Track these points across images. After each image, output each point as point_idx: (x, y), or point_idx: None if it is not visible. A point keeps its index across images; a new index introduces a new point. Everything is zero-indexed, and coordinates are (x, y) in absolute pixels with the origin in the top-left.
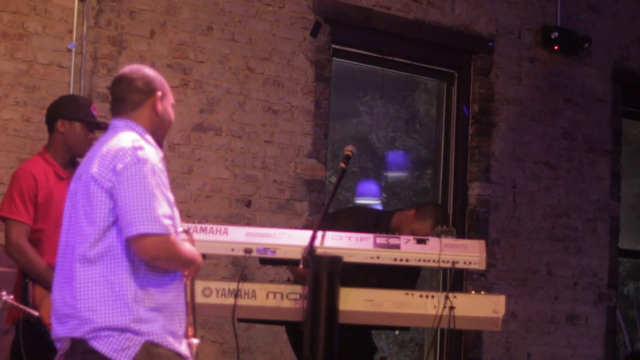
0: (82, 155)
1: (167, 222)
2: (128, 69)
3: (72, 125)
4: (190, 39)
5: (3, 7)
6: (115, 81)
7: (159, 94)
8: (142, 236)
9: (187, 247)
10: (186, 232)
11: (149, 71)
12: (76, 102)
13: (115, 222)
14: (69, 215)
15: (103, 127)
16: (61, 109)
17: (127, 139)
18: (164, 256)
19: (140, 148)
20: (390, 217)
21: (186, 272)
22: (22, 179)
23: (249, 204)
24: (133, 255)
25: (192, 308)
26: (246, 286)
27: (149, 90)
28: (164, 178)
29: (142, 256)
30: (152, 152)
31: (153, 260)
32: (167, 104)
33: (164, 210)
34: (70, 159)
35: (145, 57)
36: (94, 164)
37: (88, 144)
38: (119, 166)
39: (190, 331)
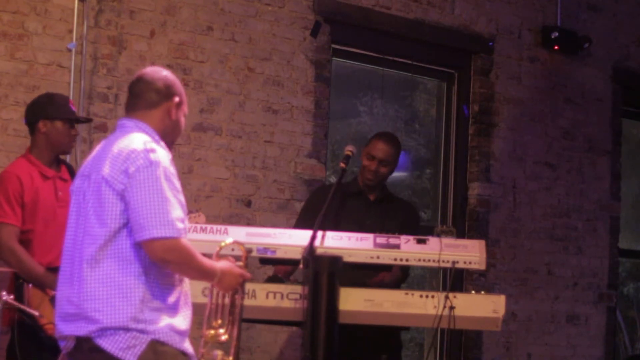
0: (66, 153)
1: (180, 225)
2: (150, 69)
3: (54, 124)
4: (190, 39)
5: (3, 7)
6: (136, 79)
7: (177, 99)
8: (155, 240)
9: (206, 259)
10: (237, 242)
11: (171, 75)
12: (54, 101)
13: (126, 224)
14: (76, 213)
15: (83, 121)
16: (41, 110)
17: (138, 141)
18: (176, 259)
19: (152, 150)
20: (355, 176)
21: (215, 284)
22: (7, 181)
23: (249, 204)
24: (144, 258)
25: (238, 321)
26: (246, 286)
27: (168, 93)
28: (176, 181)
29: (154, 259)
30: (163, 155)
31: (164, 263)
32: (181, 113)
33: (177, 214)
34: (54, 158)
35: (145, 57)
36: (105, 165)
37: (71, 140)
38: (131, 169)
39: (232, 342)
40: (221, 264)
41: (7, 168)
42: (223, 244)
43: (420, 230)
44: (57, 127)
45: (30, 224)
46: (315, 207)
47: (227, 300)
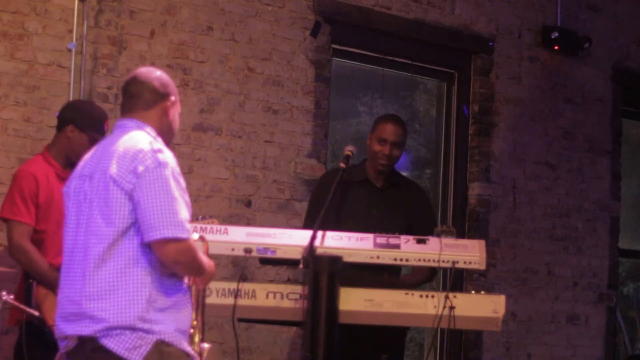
0: (78, 161)
1: (189, 226)
2: (144, 69)
3: (81, 135)
4: (190, 39)
5: (3, 7)
6: (131, 80)
7: (173, 98)
8: (166, 240)
9: (201, 255)
10: (202, 238)
11: (164, 75)
12: (92, 114)
13: (134, 223)
14: (76, 214)
15: None
16: (76, 116)
17: (143, 141)
18: (185, 261)
19: (160, 151)
20: (363, 162)
21: (193, 280)
22: (23, 179)
23: (249, 204)
24: (151, 257)
25: (202, 314)
26: (246, 286)
27: (164, 92)
28: (182, 181)
29: (164, 260)
30: (170, 155)
31: (174, 264)
32: (176, 112)
33: (185, 215)
34: (68, 162)
35: (145, 57)
36: (111, 165)
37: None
38: (140, 168)
39: (198, 336)
40: (205, 260)
41: (23, 166)
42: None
43: (433, 213)
44: (82, 139)
45: (44, 225)
46: (324, 196)
47: (193, 292)
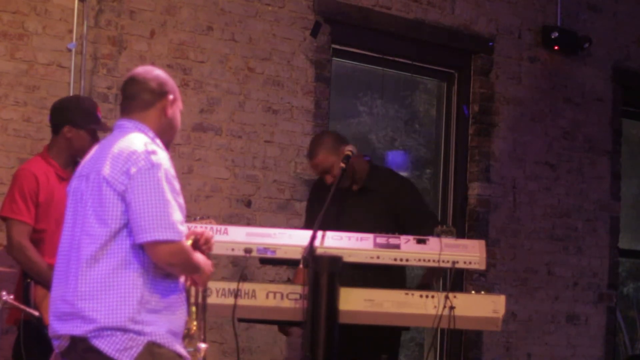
0: (83, 157)
1: (181, 228)
2: (142, 69)
3: (79, 132)
4: (190, 39)
5: (3, 7)
6: (128, 80)
7: (171, 97)
8: (158, 243)
9: (197, 255)
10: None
11: (162, 73)
12: (83, 108)
13: (127, 224)
14: (72, 213)
15: (108, 130)
16: (69, 115)
17: (138, 142)
18: (179, 262)
19: (154, 152)
20: None
21: (191, 281)
22: (23, 179)
23: (249, 204)
24: (143, 258)
25: (203, 313)
26: (246, 286)
27: (161, 91)
28: (176, 183)
29: (157, 262)
30: (164, 156)
31: (169, 266)
32: (177, 109)
33: (178, 217)
34: (72, 160)
35: (145, 57)
36: (105, 165)
37: (92, 147)
38: (133, 170)
39: (200, 335)
40: (201, 259)
41: (23, 165)
42: (190, 242)
43: (416, 199)
44: (82, 135)
45: (44, 224)
46: (312, 202)
47: (192, 292)
